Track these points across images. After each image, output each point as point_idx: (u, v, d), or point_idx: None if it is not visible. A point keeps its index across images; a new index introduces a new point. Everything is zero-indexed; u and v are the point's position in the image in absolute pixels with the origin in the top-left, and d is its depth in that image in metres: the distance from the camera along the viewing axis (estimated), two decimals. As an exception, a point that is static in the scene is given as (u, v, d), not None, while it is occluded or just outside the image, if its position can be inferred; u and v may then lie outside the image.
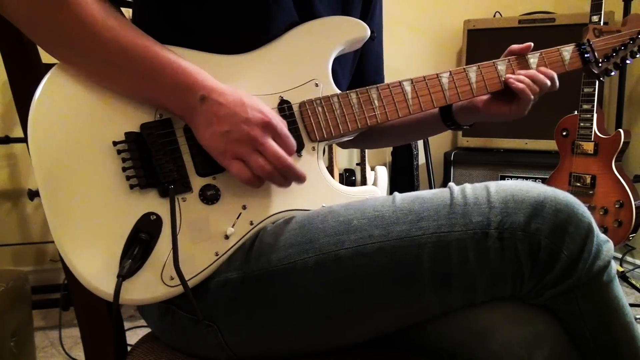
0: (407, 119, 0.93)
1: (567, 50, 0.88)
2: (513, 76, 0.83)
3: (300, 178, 0.67)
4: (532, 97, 0.82)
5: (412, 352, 0.69)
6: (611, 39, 0.91)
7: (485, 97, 0.87)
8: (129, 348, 0.77)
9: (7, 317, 1.22)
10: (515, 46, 0.86)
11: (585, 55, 0.88)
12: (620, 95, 2.07)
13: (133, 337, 0.82)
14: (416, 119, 0.94)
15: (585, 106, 1.87)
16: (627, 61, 0.92)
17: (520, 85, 0.81)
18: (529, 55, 0.85)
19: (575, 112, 1.91)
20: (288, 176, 0.66)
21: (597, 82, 1.83)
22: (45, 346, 1.70)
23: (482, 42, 2.30)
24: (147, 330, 0.78)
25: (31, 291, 1.40)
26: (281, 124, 0.65)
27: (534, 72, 0.83)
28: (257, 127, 0.63)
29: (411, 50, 2.57)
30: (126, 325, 0.94)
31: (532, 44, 0.85)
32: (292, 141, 0.66)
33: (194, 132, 0.65)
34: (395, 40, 2.49)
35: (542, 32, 2.19)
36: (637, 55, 0.92)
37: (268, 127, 0.63)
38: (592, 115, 1.86)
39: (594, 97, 1.85)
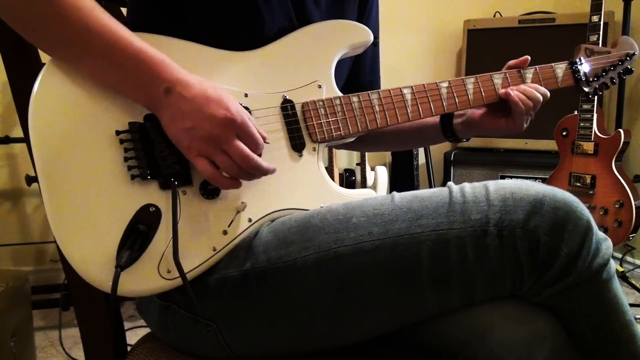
0: (407, 127, 0.94)
1: (561, 68, 0.90)
2: (509, 90, 0.84)
3: (269, 172, 0.65)
4: (524, 109, 0.83)
5: (412, 352, 0.69)
6: (602, 59, 0.93)
7: (483, 112, 0.88)
8: (129, 348, 0.77)
9: (7, 317, 1.22)
10: (513, 61, 0.87)
11: (576, 75, 0.90)
12: (620, 95, 2.07)
13: (133, 337, 0.82)
14: (416, 127, 0.95)
15: (585, 106, 1.87)
16: (615, 81, 0.94)
17: (515, 98, 0.83)
18: (525, 70, 0.87)
19: (575, 112, 1.90)
20: (257, 174, 0.65)
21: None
22: (45, 346, 1.70)
23: (482, 42, 2.29)
24: (147, 330, 0.78)
25: (31, 291, 1.40)
26: (246, 120, 0.62)
27: (525, 87, 0.85)
28: (220, 125, 0.60)
29: (411, 50, 2.57)
30: (126, 325, 0.94)
31: (529, 58, 0.87)
32: (257, 137, 0.63)
33: (162, 125, 0.63)
34: (395, 40, 2.49)
35: (542, 32, 2.18)
36: (625, 77, 0.94)
37: (231, 126, 0.61)
38: (592, 115, 1.85)
39: (594, 97, 1.85)
